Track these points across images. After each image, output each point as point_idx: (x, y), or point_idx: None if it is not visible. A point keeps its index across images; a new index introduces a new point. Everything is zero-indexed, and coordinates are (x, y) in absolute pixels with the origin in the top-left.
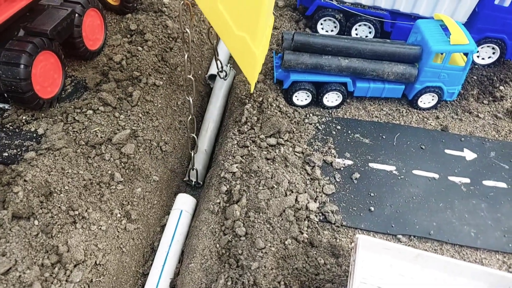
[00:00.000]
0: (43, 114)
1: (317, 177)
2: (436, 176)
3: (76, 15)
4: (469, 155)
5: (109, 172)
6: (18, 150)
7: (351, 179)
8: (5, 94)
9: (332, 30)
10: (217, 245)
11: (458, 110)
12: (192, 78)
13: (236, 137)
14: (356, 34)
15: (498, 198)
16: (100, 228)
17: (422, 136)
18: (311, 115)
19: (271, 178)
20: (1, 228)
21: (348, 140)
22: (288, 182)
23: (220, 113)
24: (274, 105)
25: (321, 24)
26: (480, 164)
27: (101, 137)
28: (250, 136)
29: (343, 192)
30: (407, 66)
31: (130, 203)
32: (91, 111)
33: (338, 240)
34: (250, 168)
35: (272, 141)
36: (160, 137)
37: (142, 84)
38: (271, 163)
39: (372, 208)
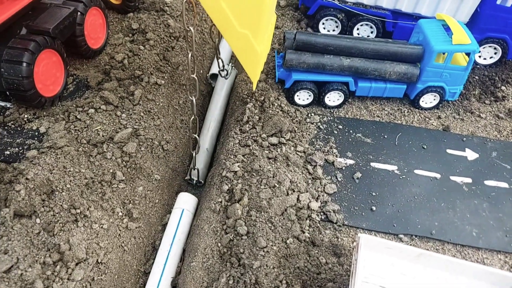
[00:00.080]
0: (45, 113)
1: (319, 177)
2: (438, 176)
3: (78, 13)
4: (471, 155)
5: (111, 170)
6: (20, 148)
7: (352, 178)
8: (7, 92)
9: (333, 30)
10: (219, 244)
11: (460, 110)
12: (195, 77)
13: (238, 136)
14: (358, 34)
15: (500, 198)
16: (102, 227)
17: (423, 136)
18: (312, 114)
19: (273, 177)
20: (3, 226)
21: (350, 139)
22: (290, 181)
23: (222, 112)
24: (276, 104)
25: (323, 23)
26: (482, 164)
27: (103, 136)
28: (251, 135)
29: (344, 192)
30: (409, 66)
31: (131, 201)
32: (93, 110)
33: (339, 240)
34: (252, 167)
35: (274, 140)
36: (162, 136)
37: (144, 83)
38: (273, 162)
39: (374, 208)
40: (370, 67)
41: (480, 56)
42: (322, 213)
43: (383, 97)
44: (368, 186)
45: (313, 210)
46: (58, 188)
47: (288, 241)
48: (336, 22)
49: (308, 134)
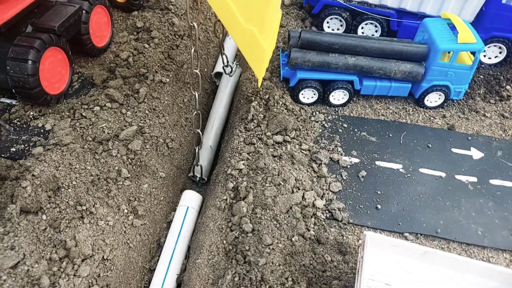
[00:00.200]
0: (50, 110)
1: (324, 175)
2: (443, 174)
3: (84, 12)
4: (476, 154)
5: (116, 168)
6: (26, 145)
7: (357, 177)
8: (13, 90)
9: (338, 29)
10: (224, 241)
11: (465, 109)
12: (198, 73)
13: (243, 134)
14: (362, 33)
15: (505, 197)
16: (108, 224)
17: (428, 134)
18: (317, 113)
19: (278, 175)
20: (9, 222)
21: (355, 138)
22: (295, 179)
23: (226, 110)
24: (281, 102)
25: (327, 22)
26: (487, 163)
27: (108, 133)
28: (256, 133)
29: (349, 190)
30: (414, 65)
31: (137, 199)
32: (98, 108)
33: (344, 238)
34: (257, 165)
35: (279, 138)
36: (167, 134)
37: (148, 81)
38: (278, 160)
39: (379, 206)
40: (375, 66)
41: (485, 56)
42: (327, 211)
43: (388, 96)
44: (373, 185)
45: (318, 208)
46: (64, 185)
47: (293, 239)
48: (340, 21)
49: (313, 133)
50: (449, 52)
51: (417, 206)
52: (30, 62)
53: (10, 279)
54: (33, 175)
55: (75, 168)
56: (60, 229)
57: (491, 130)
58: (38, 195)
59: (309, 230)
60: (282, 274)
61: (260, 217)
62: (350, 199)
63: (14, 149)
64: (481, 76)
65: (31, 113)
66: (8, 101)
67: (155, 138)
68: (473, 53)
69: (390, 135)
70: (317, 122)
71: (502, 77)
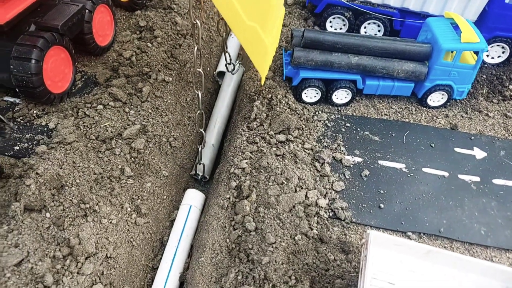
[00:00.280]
0: (53, 109)
1: (327, 174)
2: (446, 174)
3: (87, 11)
4: (479, 153)
5: (120, 166)
6: (29, 143)
7: (360, 176)
8: (17, 89)
9: (341, 28)
10: (227, 240)
11: (468, 108)
12: (201, 71)
13: (246, 133)
14: (365, 33)
15: (508, 197)
16: (111, 222)
17: (431, 134)
18: (320, 112)
19: (281, 174)
20: (13, 220)
21: (358, 137)
22: (298, 178)
23: (229, 109)
24: (283, 102)
25: (330, 22)
26: (490, 162)
27: (112, 132)
28: (259, 132)
29: (352, 189)
30: (417, 64)
31: (140, 197)
32: (101, 106)
33: (347, 237)
34: (260, 164)
35: (282, 137)
36: (170, 132)
37: (151, 80)
38: (281, 160)
39: (382, 205)
40: (378, 65)
41: (488, 55)
42: (330, 210)
43: (390, 95)
44: (376, 184)
45: (321, 207)
46: (67, 183)
47: (296, 238)
48: (343, 20)
49: (316, 132)
50: (452, 52)
51: (420, 205)
52: (33, 61)
53: (14, 277)
54: (37, 173)
55: (79, 166)
56: (64, 227)
57: (494, 130)
58: (42, 193)
59: (312, 229)
60: (285, 273)
61: (263, 216)
62: (353, 198)
63: (17, 148)
64: (484, 76)
65: (35, 111)
66: (11, 99)
67: (158, 137)
68: (476, 52)
69: (393, 134)
70: (320, 121)
71: (505, 77)
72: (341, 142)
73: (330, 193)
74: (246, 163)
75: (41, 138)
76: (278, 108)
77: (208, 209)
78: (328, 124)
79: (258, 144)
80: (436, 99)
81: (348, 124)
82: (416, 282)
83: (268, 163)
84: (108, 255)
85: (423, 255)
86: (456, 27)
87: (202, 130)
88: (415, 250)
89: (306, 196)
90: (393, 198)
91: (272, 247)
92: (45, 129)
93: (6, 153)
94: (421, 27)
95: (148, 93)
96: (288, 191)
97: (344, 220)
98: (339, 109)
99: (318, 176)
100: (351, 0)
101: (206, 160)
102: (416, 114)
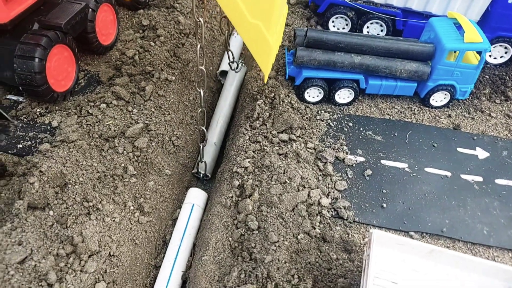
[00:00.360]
0: (57, 107)
1: (329, 173)
2: (449, 174)
3: (90, 10)
4: (481, 153)
5: (122, 165)
6: (33, 142)
7: (363, 175)
8: (20, 87)
9: (343, 28)
10: (230, 239)
11: (470, 109)
12: (204, 69)
13: (248, 133)
14: (368, 32)
15: (511, 197)
16: (114, 220)
17: (434, 134)
18: (322, 111)
19: (284, 173)
20: (17, 218)
21: (360, 137)
22: (301, 178)
23: (231, 108)
24: (286, 101)
25: (333, 21)
26: (493, 162)
27: (114, 131)
28: (262, 131)
29: (355, 189)
30: (420, 64)
31: (143, 196)
32: (104, 105)
33: (350, 236)
34: (262, 163)
35: (284, 136)
36: (172, 131)
37: (154, 79)
38: (283, 159)
39: (385, 205)
40: (381, 65)
41: (490, 56)
42: (332, 210)
43: (393, 95)
44: (379, 183)
45: (324, 206)
46: (71, 181)
47: (299, 237)
48: (346, 20)
49: (318, 131)
50: (455, 52)
51: (422, 205)
52: (36, 59)
53: (18, 274)
54: (40, 171)
55: (82, 164)
56: (67, 225)
57: (496, 130)
58: (45, 191)
59: (314, 228)
60: (288, 272)
61: (265, 215)
62: (355, 198)
63: (21, 146)
64: (487, 76)
65: (38, 110)
66: (15, 98)
67: (161, 135)
68: (479, 52)
69: (396, 134)
70: (322, 120)
71: (507, 77)
72: (344, 142)
73: (333, 192)
74: (249, 162)
75: (44, 137)
76: (280, 108)
77: (211, 208)
78: (331, 124)
79: (261, 143)
80: (439, 99)
81: (350, 124)
82: (419, 281)
83: (270, 162)
84: (111, 253)
85: (426, 255)
86: (459, 27)
87: (203, 128)
88: (418, 250)
89: (308, 195)
90: (396, 197)
91: (275, 246)
92: (49, 127)
93: (10, 151)
94: (424, 27)
95: (151, 92)
96: (291, 190)
97: (346, 220)
98: (342, 108)
99: (320, 175)
100: (354, 0)
101: (208, 158)
102: (418, 114)
